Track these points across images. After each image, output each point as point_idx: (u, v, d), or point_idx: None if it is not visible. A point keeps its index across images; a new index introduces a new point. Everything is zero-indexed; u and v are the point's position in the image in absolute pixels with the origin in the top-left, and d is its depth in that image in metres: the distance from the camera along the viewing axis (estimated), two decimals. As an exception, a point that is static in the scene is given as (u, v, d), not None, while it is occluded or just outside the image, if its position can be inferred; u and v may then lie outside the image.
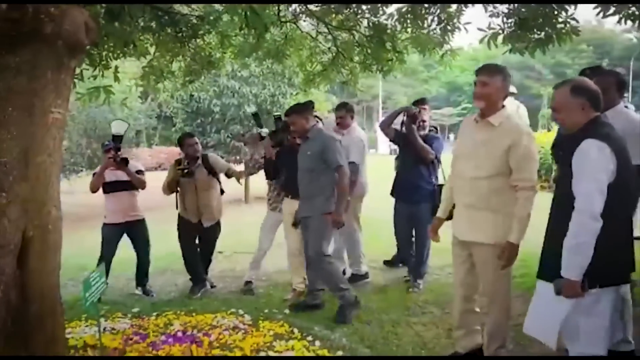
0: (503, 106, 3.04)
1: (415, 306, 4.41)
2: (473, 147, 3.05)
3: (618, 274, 2.30)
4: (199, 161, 5.21)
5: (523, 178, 2.89)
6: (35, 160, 2.50)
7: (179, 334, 3.82)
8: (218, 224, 5.37)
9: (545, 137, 11.20)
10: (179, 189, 5.23)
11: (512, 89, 7.24)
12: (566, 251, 2.24)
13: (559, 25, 4.38)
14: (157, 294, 5.29)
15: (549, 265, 2.40)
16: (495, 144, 2.94)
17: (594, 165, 2.20)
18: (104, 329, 4.08)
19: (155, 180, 6.01)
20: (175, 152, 23.40)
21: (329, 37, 6.18)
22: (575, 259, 2.22)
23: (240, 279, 5.41)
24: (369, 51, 5.92)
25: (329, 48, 6.39)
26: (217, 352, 3.43)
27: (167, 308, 4.59)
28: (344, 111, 5.30)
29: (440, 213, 3.36)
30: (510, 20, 4.58)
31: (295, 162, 4.50)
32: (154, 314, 4.46)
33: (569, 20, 4.33)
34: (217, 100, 11.32)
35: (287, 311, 4.40)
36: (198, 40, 5.87)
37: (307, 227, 4.42)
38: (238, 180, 5.48)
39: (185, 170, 5.12)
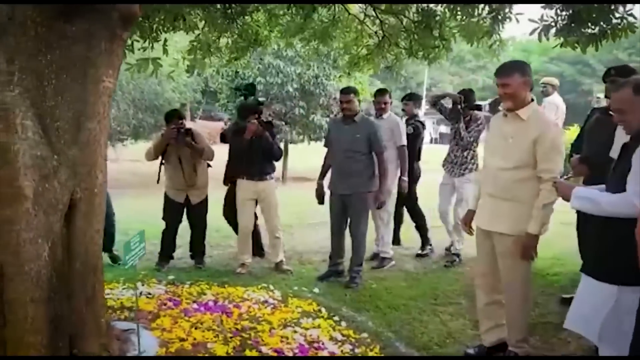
0: (532, 99, 3.07)
1: (443, 295, 4.41)
2: (501, 140, 3.10)
3: None
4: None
5: (548, 169, 2.90)
6: (86, 125, 2.62)
7: (210, 303, 3.95)
8: (206, 200, 5.32)
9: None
10: (163, 161, 5.13)
11: (554, 81, 7.10)
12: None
13: (614, 21, 4.22)
14: (191, 265, 5.44)
15: (599, 262, 2.36)
16: (524, 136, 2.97)
17: None
18: (140, 293, 4.27)
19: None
20: (219, 127, 23.88)
21: (377, 20, 6.13)
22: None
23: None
24: (416, 37, 5.85)
25: (376, 32, 6.34)
26: (245, 323, 3.54)
27: (200, 278, 4.74)
28: (387, 97, 5.36)
29: (471, 205, 3.37)
30: (564, 13, 4.44)
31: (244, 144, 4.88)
32: (188, 282, 4.63)
33: (626, 16, 4.18)
34: (261, 78, 11.40)
35: (316, 290, 4.49)
36: (246, 17, 5.92)
37: (349, 204, 4.73)
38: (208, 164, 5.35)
39: (181, 129, 4.98)
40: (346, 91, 4.90)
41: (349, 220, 4.83)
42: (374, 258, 5.39)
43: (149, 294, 4.26)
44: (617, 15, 4.20)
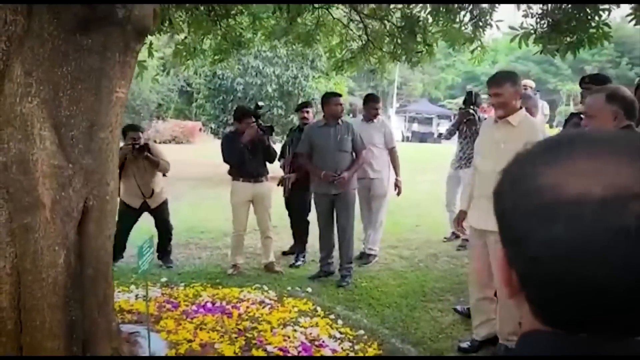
0: (520, 107, 3.28)
1: (431, 292, 4.59)
2: (492, 145, 3.29)
3: None
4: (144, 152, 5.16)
5: None
6: (99, 135, 2.68)
7: (209, 305, 4.04)
8: (165, 203, 5.42)
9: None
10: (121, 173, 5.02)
11: (531, 83, 7.39)
12: None
13: (591, 30, 4.47)
14: (182, 267, 5.49)
15: None
16: (514, 141, 3.15)
17: None
18: (136, 296, 4.32)
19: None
20: (190, 125, 23.66)
21: (360, 25, 6.28)
22: None
23: (262, 256, 5.64)
24: (399, 41, 6.03)
25: (360, 36, 6.49)
26: (246, 323, 3.64)
27: (193, 280, 4.81)
28: (380, 103, 5.73)
29: (463, 206, 3.55)
30: (543, 22, 4.67)
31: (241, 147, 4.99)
32: (182, 284, 4.69)
33: (602, 25, 4.43)
34: (240, 79, 11.44)
35: (309, 289, 4.61)
36: (230, 20, 5.98)
37: (336, 203, 4.88)
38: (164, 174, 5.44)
39: (136, 146, 5.05)
40: (336, 95, 5.14)
41: (335, 219, 4.97)
42: (361, 257, 5.55)
43: (145, 296, 4.31)
44: (593, 24, 4.46)
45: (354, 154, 4.93)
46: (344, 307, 4.20)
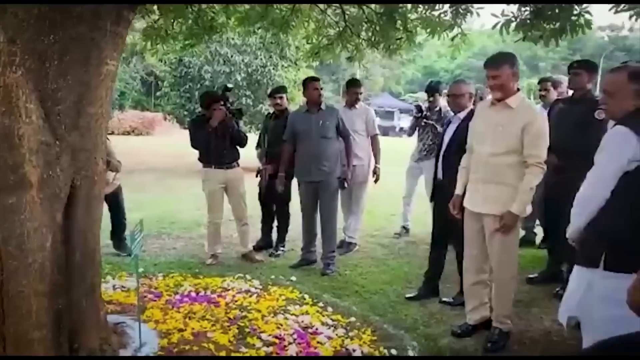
0: (518, 89, 3.26)
1: (416, 279, 4.55)
2: (490, 128, 3.25)
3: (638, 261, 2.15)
4: None
5: (534, 155, 3.11)
6: (87, 110, 2.51)
7: (193, 294, 3.89)
8: (119, 189, 5.23)
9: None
10: None
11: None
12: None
13: (573, 17, 4.52)
14: (157, 257, 5.29)
15: (582, 248, 2.45)
16: (513, 123, 3.15)
17: (611, 151, 2.23)
18: (114, 286, 4.13)
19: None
20: (150, 117, 22.97)
21: (338, 10, 6.18)
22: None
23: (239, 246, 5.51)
24: (378, 28, 5.96)
25: (337, 22, 6.39)
26: (235, 312, 3.52)
27: (172, 270, 4.63)
28: (361, 87, 5.61)
29: (458, 190, 3.51)
30: (525, 9, 4.70)
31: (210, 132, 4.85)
32: (160, 274, 4.51)
33: (583, 13, 4.48)
34: (208, 67, 11.16)
35: (293, 278, 4.51)
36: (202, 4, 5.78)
37: (319, 190, 4.79)
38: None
39: None
40: (315, 79, 5.07)
41: (319, 207, 4.89)
42: (341, 245, 5.48)
43: (123, 286, 4.13)
44: (574, 12, 4.51)
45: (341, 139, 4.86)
46: (332, 295, 4.12)
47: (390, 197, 6.19)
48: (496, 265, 3.29)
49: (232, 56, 11.05)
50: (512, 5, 4.71)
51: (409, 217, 6.13)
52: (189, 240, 5.93)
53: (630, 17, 4.07)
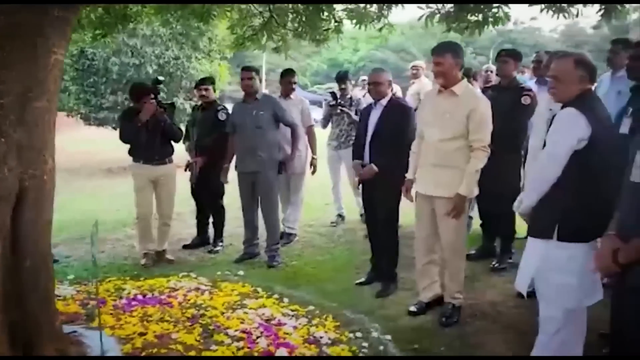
0: (462, 77, 3.43)
1: (362, 265, 4.65)
2: (437, 114, 3.41)
3: (591, 231, 2.36)
4: None
5: (478, 139, 3.30)
6: (34, 104, 2.29)
7: (139, 297, 3.70)
8: None
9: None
10: None
11: (423, 64, 7.81)
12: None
13: (493, 10, 4.80)
14: (86, 262, 4.95)
15: (531, 219, 2.63)
16: (458, 110, 3.32)
17: (562, 132, 2.38)
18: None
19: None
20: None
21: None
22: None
23: (176, 244, 5.32)
24: (304, 19, 5.96)
25: (261, 12, 6.30)
26: (191, 311, 3.40)
27: (107, 275, 4.36)
28: (295, 77, 5.54)
29: (410, 175, 3.63)
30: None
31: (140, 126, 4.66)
32: (94, 279, 4.23)
33: (502, 5, 4.78)
34: (115, 59, 10.53)
35: (241, 272, 4.43)
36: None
37: (257, 182, 4.73)
38: None
39: None
40: (248, 69, 4.95)
41: (259, 199, 4.83)
42: (282, 237, 5.44)
43: (58, 295, 3.82)
44: (494, 5, 4.80)
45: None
46: (284, 287, 4.09)
47: (323, 186, 6.25)
48: (447, 245, 3.45)
49: (141, 47, 10.51)
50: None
51: (342, 204, 6.22)
52: (117, 242, 5.64)
53: (542, 10, 4.43)
